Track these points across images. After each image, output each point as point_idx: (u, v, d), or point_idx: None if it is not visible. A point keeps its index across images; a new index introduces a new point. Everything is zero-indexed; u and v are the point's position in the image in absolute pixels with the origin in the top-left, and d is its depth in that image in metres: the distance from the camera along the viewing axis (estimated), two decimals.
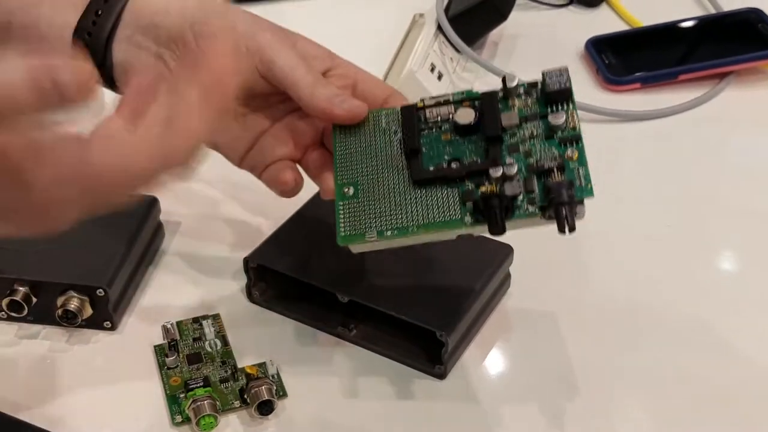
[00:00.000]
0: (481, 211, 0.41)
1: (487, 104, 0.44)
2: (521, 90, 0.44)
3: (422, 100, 0.45)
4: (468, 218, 0.41)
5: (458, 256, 0.51)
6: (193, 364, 0.48)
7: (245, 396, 0.46)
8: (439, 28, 0.70)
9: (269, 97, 0.49)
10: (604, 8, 0.78)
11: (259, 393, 0.46)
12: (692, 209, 0.60)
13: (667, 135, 0.66)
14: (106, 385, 0.48)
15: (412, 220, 0.42)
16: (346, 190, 0.44)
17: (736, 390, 0.48)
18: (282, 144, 0.49)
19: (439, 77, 0.68)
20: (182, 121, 0.34)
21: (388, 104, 0.48)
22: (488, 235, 0.42)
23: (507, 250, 0.51)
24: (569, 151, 0.42)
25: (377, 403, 0.48)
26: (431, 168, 0.43)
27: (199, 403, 0.45)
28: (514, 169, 0.41)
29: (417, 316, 0.47)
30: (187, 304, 0.52)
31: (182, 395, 0.47)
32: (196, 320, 0.51)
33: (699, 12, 0.77)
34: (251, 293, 0.52)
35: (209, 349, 0.49)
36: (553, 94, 0.43)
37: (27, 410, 0.46)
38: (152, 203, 0.55)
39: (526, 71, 0.67)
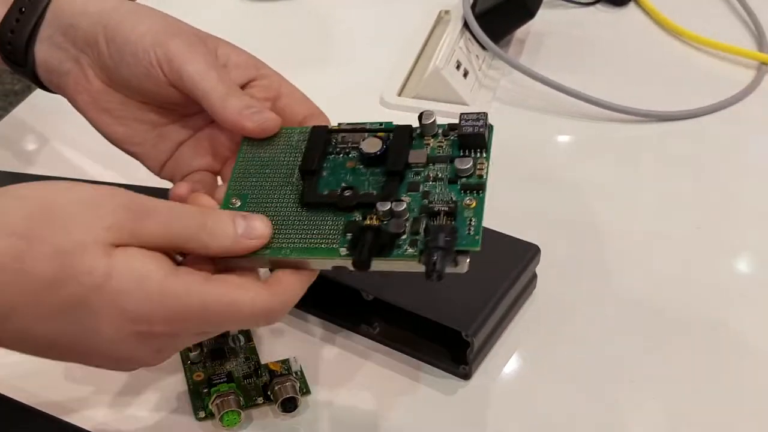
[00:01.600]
0: (355, 244, 0.39)
1: (398, 138, 0.42)
2: (439, 130, 0.43)
3: (339, 124, 0.44)
4: (343, 250, 0.39)
5: (485, 255, 0.50)
6: (217, 359, 0.48)
7: (268, 392, 0.46)
8: (466, 25, 0.70)
9: (186, 107, 0.47)
10: (632, 7, 0.77)
11: (283, 390, 0.45)
12: (719, 211, 0.59)
13: (692, 136, 0.65)
14: (130, 379, 0.48)
15: (290, 243, 0.40)
16: (233, 201, 0.42)
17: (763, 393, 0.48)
18: (200, 155, 0.48)
19: (465, 74, 0.68)
20: None
21: (306, 123, 0.46)
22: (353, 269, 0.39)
23: (534, 251, 0.51)
24: (467, 199, 0.40)
25: (400, 403, 0.47)
26: (325, 192, 0.41)
27: (223, 398, 0.45)
28: (403, 206, 0.39)
29: (442, 316, 0.47)
30: None
31: (205, 390, 0.46)
32: None
33: (729, 13, 0.76)
34: None
35: (232, 345, 0.49)
36: (466, 138, 0.41)
37: (49, 403, 0.47)
38: None
39: (553, 69, 0.67)
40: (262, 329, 0.51)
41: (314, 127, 0.44)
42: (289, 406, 0.46)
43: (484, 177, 0.40)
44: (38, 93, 0.70)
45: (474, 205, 0.40)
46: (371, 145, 0.42)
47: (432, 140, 0.42)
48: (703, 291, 0.53)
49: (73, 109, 0.67)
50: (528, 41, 0.74)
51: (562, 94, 0.66)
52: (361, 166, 0.42)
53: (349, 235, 0.39)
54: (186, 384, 0.47)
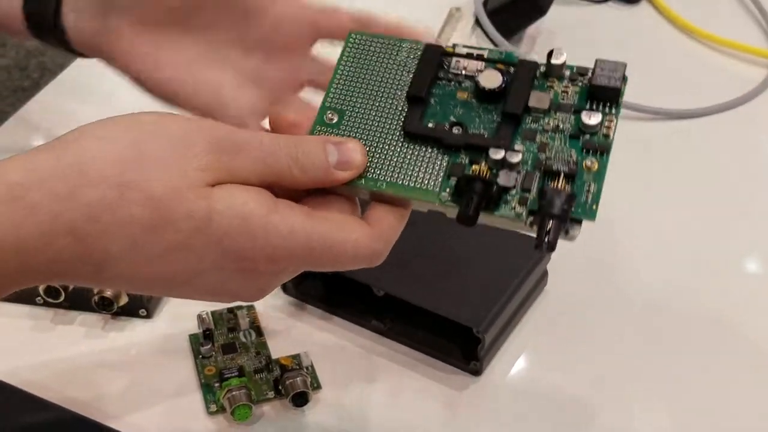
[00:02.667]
0: (461, 192, 0.36)
1: (520, 75, 0.37)
2: (567, 72, 0.38)
3: (454, 46, 0.39)
4: (445, 195, 0.36)
5: (496, 252, 0.50)
6: (228, 354, 0.48)
7: (279, 387, 0.46)
8: (477, 21, 0.70)
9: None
10: (643, 5, 0.77)
11: (294, 384, 0.46)
12: (731, 210, 0.59)
13: (703, 134, 0.65)
14: (141, 373, 0.48)
15: (385, 175, 0.36)
16: (330, 115, 0.38)
17: None
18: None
19: None
20: None
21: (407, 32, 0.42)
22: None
23: None
24: (589, 161, 0.36)
25: (411, 398, 0.47)
26: (430, 124, 0.37)
27: (234, 392, 0.45)
28: (518, 158, 0.36)
29: (454, 312, 0.47)
30: None
31: (217, 384, 0.47)
32: (230, 310, 0.51)
33: (741, 12, 0.76)
34: (285, 285, 0.52)
35: (243, 340, 0.49)
36: (599, 90, 0.37)
37: (61, 395, 0.47)
38: None
39: None
40: (272, 325, 0.51)
41: (428, 45, 0.39)
42: (300, 400, 0.46)
43: (611, 137, 0.36)
44: (47, 90, 0.70)
45: (596, 168, 0.36)
46: (491, 80, 0.37)
47: (556, 83, 0.38)
48: (715, 291, 0.53)
49: (81, 106, 0.67)
50: (539, 38, 0.73)
51: None
52: (474, 100, 0.38)
53: (452, 179, 0.36)
54: (197, 378, 0.48)
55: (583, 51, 0.73)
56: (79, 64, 0.71)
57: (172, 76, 0.48)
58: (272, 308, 0.52)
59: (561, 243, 0.51)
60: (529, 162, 0.36)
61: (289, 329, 0.51)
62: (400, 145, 0.37)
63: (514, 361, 0.49)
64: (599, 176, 0.36)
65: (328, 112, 0.38)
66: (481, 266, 0.50)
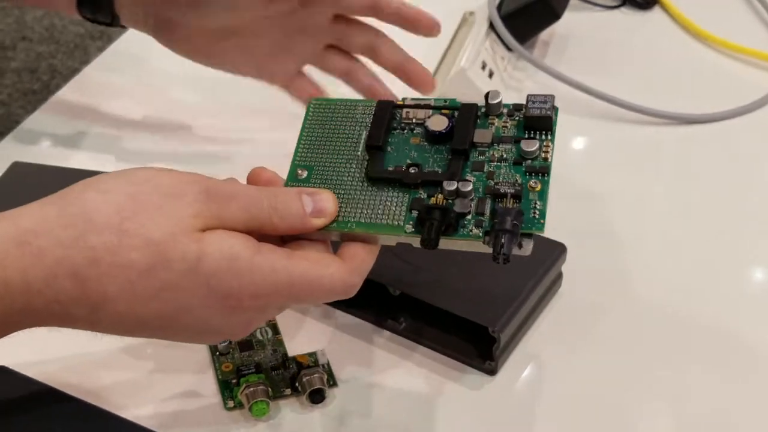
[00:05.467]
0: (422, 221, 0.40)
1: (463, 116, 0.43)
2: (504, 110, 0.43)
3: (403, 99, 0.44)
4: (409, 227, 0.40)
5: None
6: (245, 350, 0.49)
7: (296, 384, 0.47)
8: (491, 26, 0.70)
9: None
10: (657, 11, 0.77)
11: (312, 381, 0.46)
12: (742, 217, 0.59)
13: (715, 139, 0.65)
14: (159, 369, 0.49)
15: (354, 216, 0.41)
16: (299, 172, 0.43)
17: None
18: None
19: (490, 75, 0.68)
20: None
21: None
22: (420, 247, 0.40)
23: (560, 249, 0.51)
24: (532, 182, 0.40)
25: (426, 397, 0.48)
26: (390, 168, 0.42)
27: (252, 388, 0.45)
28: (469, 187, 0.40)
29: (469, 311, 0.47)
30: None
31: (234, 381, 0.47)
32: None
33: (754, 18, 0.76)
34: None
35: (260, 337, 0.50)
36: (533, 120, 0.42)
37: (79, 390, 0.47)
38: None
39: (577, 71, 0.67)
40: (288, 322, 0.51)
41: (379, 101, 0.44)
42: (317, 397, 0.46)
43: (550, 160, 0.41)
44: (58, 94, 0.71)
45: (539, 188, 0.40)
46: (437, 123, 0.42)
47: (497, 120, 0.43)
48: (726, 297, 0.53)
49: (94, 109, 0.68)
50: (553, 43, 0.74)
51: (586, 96, 0.66)
52: (426, 143, 0.43)
53: (414, 212, 0.40)
54: (214, 374, 0.48)
55: (596, 56, 0.74)
56: (88, 71, 0.72)
57: (220, 58, 0.59)
58: None
59: (567, 246, 0.52)
60: (480, 189, 0.41)
61: (306, 327, 0.51)
62: (364, 189, 0.42)
63: (529, 362, 0.49)
64: (542, 194, 0.40)
65: (298, 169, 0.43)
66: (496, 267, 0.50)
